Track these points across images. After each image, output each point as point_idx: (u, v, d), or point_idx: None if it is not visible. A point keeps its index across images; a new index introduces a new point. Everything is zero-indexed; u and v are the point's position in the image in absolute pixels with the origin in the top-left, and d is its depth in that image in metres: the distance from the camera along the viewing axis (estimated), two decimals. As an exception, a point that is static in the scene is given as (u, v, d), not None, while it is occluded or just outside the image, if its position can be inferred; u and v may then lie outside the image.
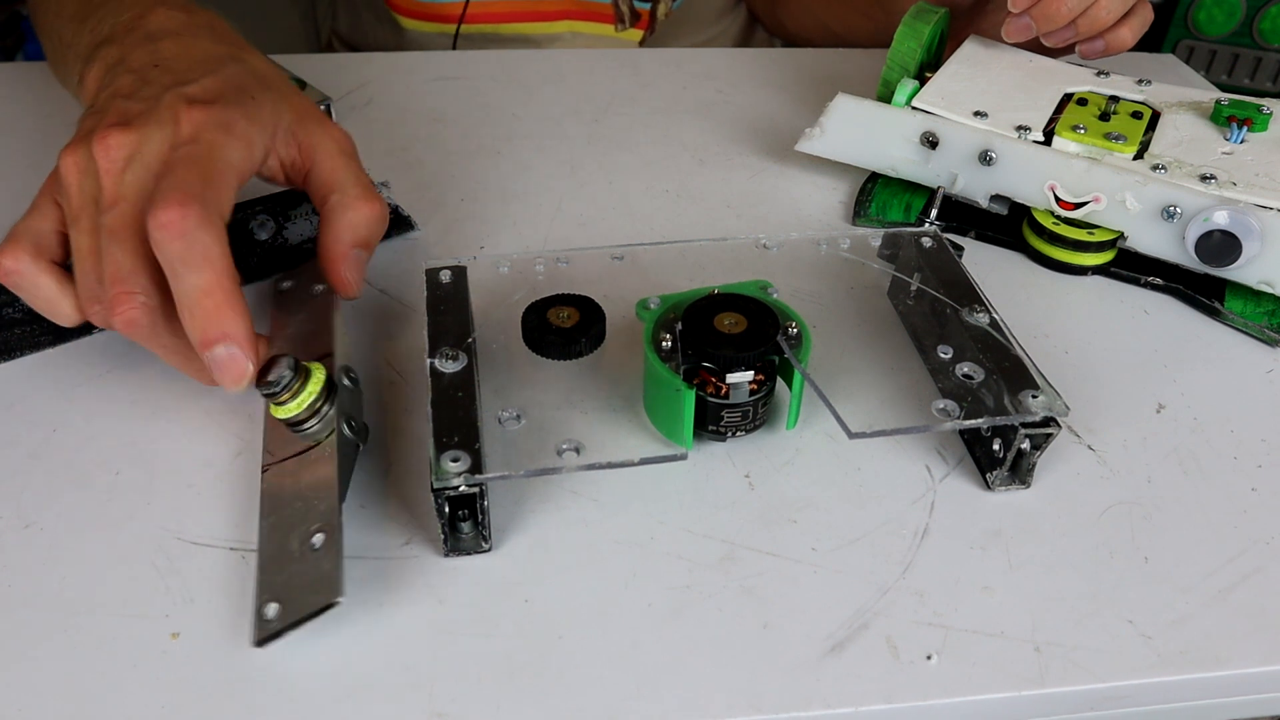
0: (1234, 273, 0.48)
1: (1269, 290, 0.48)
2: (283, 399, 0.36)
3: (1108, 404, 0.44)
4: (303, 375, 0.36)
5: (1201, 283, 0.50)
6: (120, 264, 0.37)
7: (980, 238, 0.54)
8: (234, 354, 0.36)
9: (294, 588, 0.33)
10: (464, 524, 0.36)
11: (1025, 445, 0.38)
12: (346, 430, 0.37)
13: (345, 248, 0.42)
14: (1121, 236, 0.50)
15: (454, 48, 0.81)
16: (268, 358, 0.40)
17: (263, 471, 0.38)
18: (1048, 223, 0.51)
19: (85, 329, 0.45)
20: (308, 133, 0.43)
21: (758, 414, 0.40)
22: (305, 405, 0.36)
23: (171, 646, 0.33)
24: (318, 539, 0.34)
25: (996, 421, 0.38)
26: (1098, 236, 0.51)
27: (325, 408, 0.37)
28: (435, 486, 0.34)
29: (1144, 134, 0.52)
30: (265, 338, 0.41)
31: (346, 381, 0.38)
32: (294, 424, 0.37)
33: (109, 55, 0.44)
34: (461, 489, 0.34)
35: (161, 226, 0.35)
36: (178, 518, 0.38)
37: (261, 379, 0.36)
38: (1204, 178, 0.48)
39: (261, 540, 0.36)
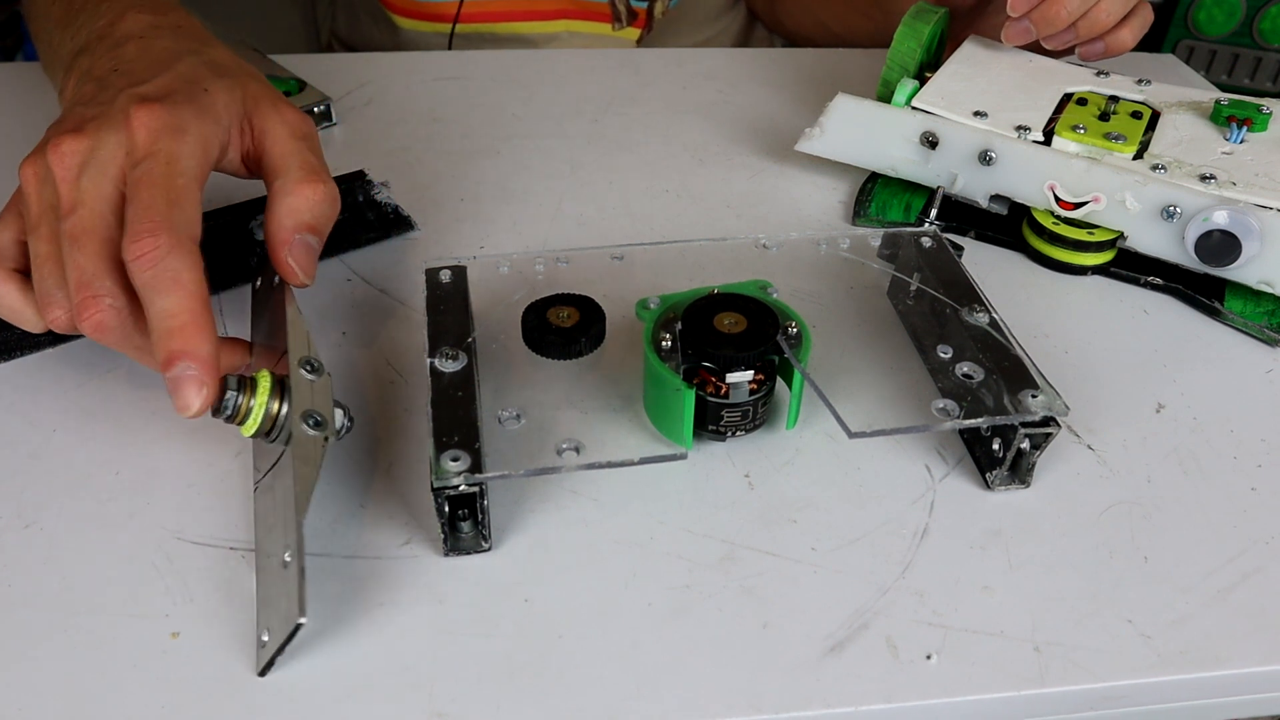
0: (1234, 273, 0.48)
1: (1269, 290, 0.48)
2: (239, 419, 0.36)
3: (1108, 404, 0.44)
4: (249, 389, 0.36)
5: (1201, 283, 0.50)
6: (84, 269, 0.37)
7: (980, 238, 0.55)
8: (191, 374, 0.35)
9: (277, 611, 0.33)
10: (464, 524, 0.36)
11: (1025, 445, 0.38)
12: (307, 427, 0.35)
13: (287, 233, 0.41)
14: (1121, 236, 0.50)
15: (449, 47, 0.81)
16: (244, 365, 0.40)
17: (254, 490, 0.38)
18: (1048, 223, 0.51)
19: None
20: (261, 117, 0.42)
21: (758, 414, 0.40)
22: (260, 417, 0.36)
23: (171, 646, 0.33)
24: (288, 555, 0.33)
25: (996, 421, 0.38)
26: (1098, 236, 0.51)
27: (282, 411, 0.36)
28: (435, 486, 0.34)
29: (1144, 134, 0.52)
30: (244, 343, 0.42)
31: (306, 374, 0.37)
32: (264, 436, 0.37)
33: (82, 64, 0.44)
34: (461, 488, 0.34)
35: (135, 259, 0.35)
36: (178, 518, 0.38)
37: (215, 407, 0.36)
38: (1204, 178, 0.48)
39: (258, 561, 0.36)
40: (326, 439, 0.35)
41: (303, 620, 0.31)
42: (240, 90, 0.42)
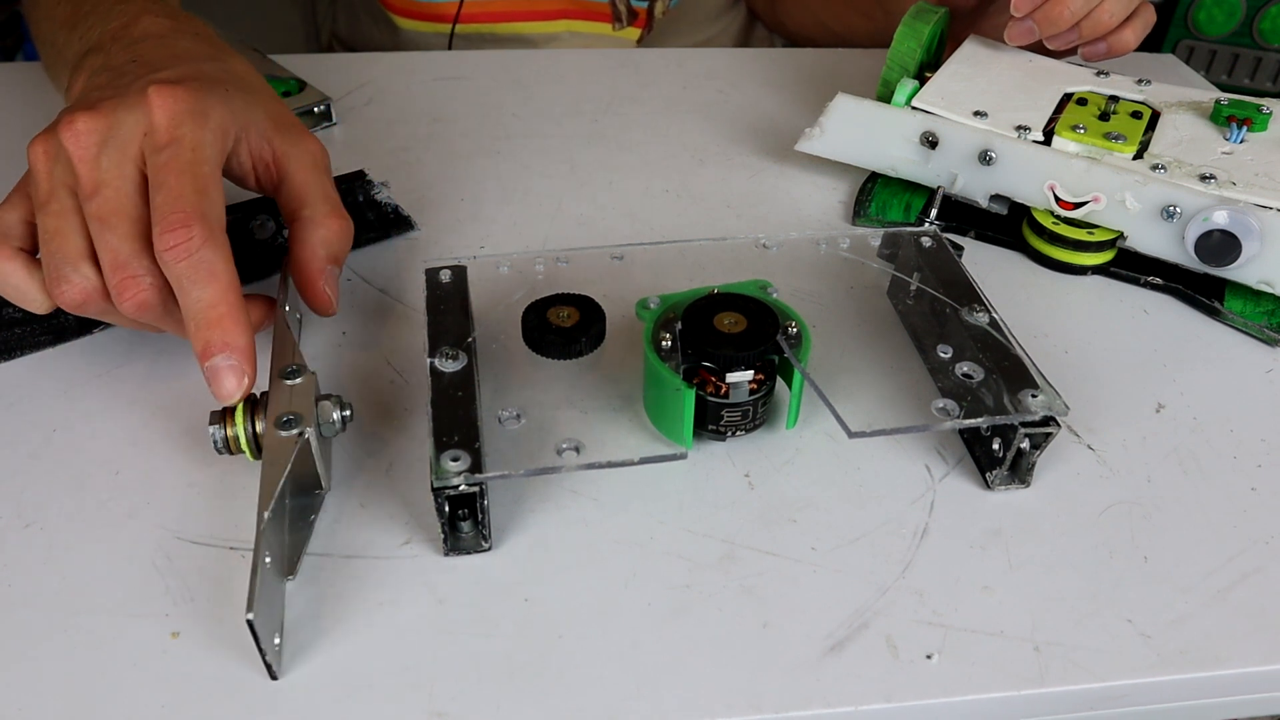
0: (1234, 272, 0.48)
1: (1269, 290, 0.48)
2: (235, 451, 0.37)
3: (1107, 404, 0.44)
4: (229, 419, 0.37)
5: (1201, 282, 0.50)
6: (118, 250, 0.37)
7: (980, 238, 0.55)
8: (230, 364, 0.36)
9: (274, 614, 0.34)
10: (464, 523, 0.36)
11: (1025, 444, 0.38)
12: (278, 431, 0.36)
13: (321, 263, 0.42)
14: (1121, 236, 0.50)
15: (449, 47, 0.81)
16: (269, 320, 0.41)
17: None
18: (1047, 223, 0.51)
19: (85, 328, 0.45)
20: (283, 140, 0.43)
21: (757, 413, 0.40)
22: (248, 441, 0.36)
23: (171, 646, 0.33)
24: (268, 557, 0.33)
25: (996, 421, 0.38)
26: (1097, 236, 0.51)
27: (259, 428, 0.37)
28: (435, 486, 0.34)
29: (1144, 134, 0.52)
30: (264, 299, 0.42)
31: (286, 382, 0.38)
32: (258, 456, 0.37)
33: (94, 62, 0.44)
34: (461, 488, 0.34)
35: (169, 249, 0.36)
36: (178, 518, 0.38)
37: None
38: (1204, 177, 0.48)
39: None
40: (302, 434, 0.36)
41: (249, 616, 0.30)
42: (259, 107, 0.43)
